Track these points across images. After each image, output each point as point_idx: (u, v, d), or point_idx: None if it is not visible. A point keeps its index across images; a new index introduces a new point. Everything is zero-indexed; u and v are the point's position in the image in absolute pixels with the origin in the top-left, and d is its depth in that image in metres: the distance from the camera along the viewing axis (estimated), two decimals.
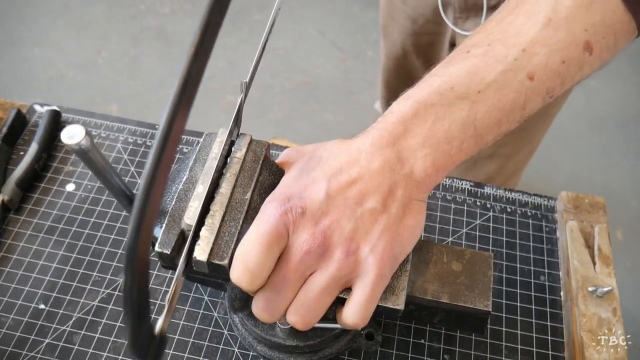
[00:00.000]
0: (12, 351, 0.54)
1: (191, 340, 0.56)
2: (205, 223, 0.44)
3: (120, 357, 0.55)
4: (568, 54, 0.43)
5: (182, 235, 0.45)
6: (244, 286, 0.42)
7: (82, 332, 0.56)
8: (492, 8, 0.74)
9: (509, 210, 0.66)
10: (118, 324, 0.57)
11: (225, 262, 0.43)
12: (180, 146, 0.70)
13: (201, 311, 0.58)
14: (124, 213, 0.63)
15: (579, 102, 1.97)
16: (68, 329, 0.56)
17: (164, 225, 0.45)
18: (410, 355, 0.56)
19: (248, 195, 0.46)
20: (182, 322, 0.57)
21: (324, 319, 0.48)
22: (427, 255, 0.50)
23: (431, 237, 0.64)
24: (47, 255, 0.61)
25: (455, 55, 0.46)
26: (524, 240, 0.64)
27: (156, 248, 0.44)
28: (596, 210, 0.65)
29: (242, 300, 0.51)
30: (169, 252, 0.43)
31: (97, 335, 0.56)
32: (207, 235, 0.44)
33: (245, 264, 0.42)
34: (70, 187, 0.66)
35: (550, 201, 0.68)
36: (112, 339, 0.56)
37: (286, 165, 0.48)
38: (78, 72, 2.01)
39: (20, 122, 0.69)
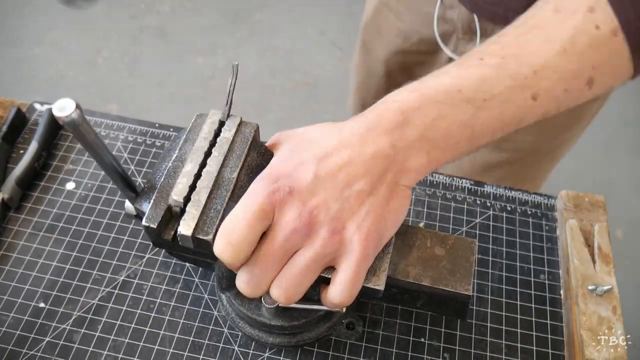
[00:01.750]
0: (12, 350, 0.54)
1: (191, 338, 0.56)
2: (192, 199, 0.46)
3: (120, 356, 0.55)
4: (572, 85, 0.46)
5: (170, 211, 0.46)
6: (226, 260, 0.43)
7: (82, 330, 0.56)
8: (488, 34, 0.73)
9: (509, 208, 0.66)
10: (118, 322, 0.57)
11: (210, 237, 0.44)
12: None
13: (201, 309, 0.58)
14: (124, 211, 0.63)
15: None
16: (68, 327, 0.56)
17: (152, 200, 0.46)
18: (410, 353, 0.56)
19: (235, 174, 0.47)
20: (182, 321, 0.57)
21: (310, 300, 0.49)
22: (411, 239, 0.51)
23: None
24: (47, 254, 0.61)
25: (468, 60, 0.47)
26: (524, 239, 0.64)
27: (143, 222, 0.45)
28: (596, 209, 0.65)
29: (230, 279, 0.52)
30: (155, 226, 0.45)
31: (97, 334, 0.56)
32: (192, 211, 0.45)
33: (228, 239, 0.42)
34: (70, 185, 0.66)
35: (550, 200, 0.68)
36: (112, 337, 0.56)
37: (275, 147, 0.49)
38: (78, 72, 2.01)
39: (20, 121, 0.69)
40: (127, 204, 0.50)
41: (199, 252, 0.46)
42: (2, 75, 1.98)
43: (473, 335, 0.57)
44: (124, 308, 0.57)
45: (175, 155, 0.49)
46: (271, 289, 0.44)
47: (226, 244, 0.42)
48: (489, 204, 0.67)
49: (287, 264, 0.44)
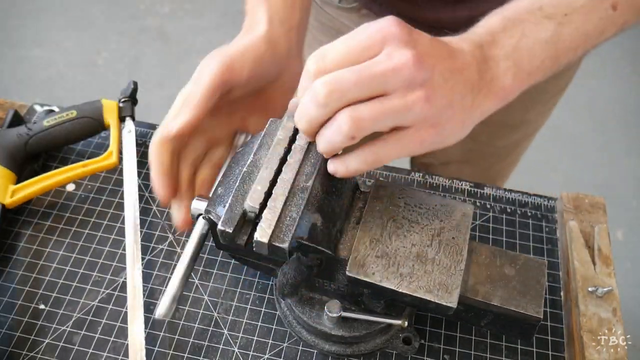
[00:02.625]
0: (12, 351, 0.54)
1: (191, 340, 0.56)
2: (268, 206, 0.46)
3: (120, 357, 0.55)
4: None
5: (244, 216, 0.46)
6: (310, 69, 0.41)
7: (82, 332, 0.56)
8: None
9: (508, 210, 0.66)
10: (118, 323, 0.56)
11: (285, 245, 0.44)
12: None
13: (201, 311, 0.58)
14: (123, 213, 0.63)
15: (579, 102, 1.97)
16: (68, 329, 0.56)
17: (227, 204, 0.46)
18: (410, 355, 0.56)
19: (310, 183, 0.47)
20: (182, 322, 0.57)
21: (372, 312, 0.50)
22: (479, 257, 0.50)
23: None
24: (47, 256, 0.61)
25: None
26: (524, 241, 0.64)
27: (219, 226, 0.45)
28: (596, 210, 0.65)
29: (292, 287, 0.52)
30: (231, 231, 0.45)
31: (97, 336, 0.56)
32: (269, 218, 0.45)
33: (322, 54, 0.41)
34: (70, 187, 0.66)
35: (550, 201, 0.67)
36: (112, 339, 0.56)
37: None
38: (78, 72, 2.01)
39: (18, 123, 0.69)
40: (194, 205, 0.50)
41: (270, 258, 0.47)
42: (2, 76, 1.97)
43: (473, 337, 0.57)
44: (124, 310, 0.57)
45: (249, 160, 0.49)
46: (343, 112, 0.41)
47: (319, 56, 0.41)
48: (488, 206, 0.67)
49: (372, 100, 0.40)
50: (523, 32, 0.44)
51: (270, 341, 0.56)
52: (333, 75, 0.40)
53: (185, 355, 0.55)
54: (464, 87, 0.42)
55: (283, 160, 0.49)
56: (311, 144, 0.50)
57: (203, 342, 0.56)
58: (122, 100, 0.68)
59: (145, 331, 0.55)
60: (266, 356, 0.55)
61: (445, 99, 0.41)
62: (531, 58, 0.45)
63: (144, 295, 0.58)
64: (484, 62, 0.43)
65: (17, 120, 0.68)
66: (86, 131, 0.66)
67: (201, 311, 0.58)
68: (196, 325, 0.57)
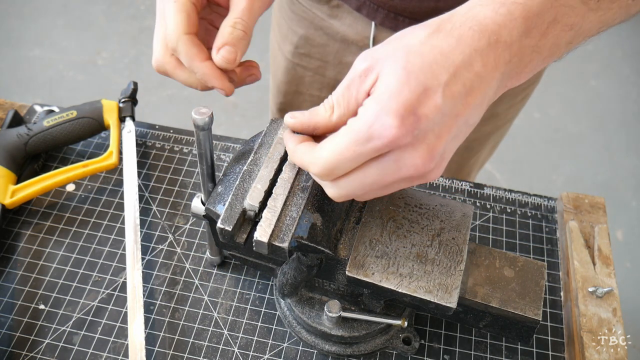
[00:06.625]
0: (12, 351, 0.54)
1: (191, 340, 0.56)
2: (268, 205, 0.46)
3: (120, 357, 0.55)
4: None
5: (244, 214, 0.46)
6: (321, 180, 0.42)
7: (82, 332, 0.56)
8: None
9: (508, 210, 0.66)
10: (118, 324, 0.57)
11: (285, 245, 0.44)
12: (180, 146, 0.70)
13: (201, 311, 0.58)
14: (123, 213, 0.63)
15: (579, 103, 1.97)
16: (68, 329, 0.56)
17: (227, 202, 0.46)
18: (410, 355, 0.56)
19: (310, 182, 0.48)
20: (182, 323, 0.57)
21: (371, 312, 0.51)
22: (479, 258, 0.50)
23: None
24: (47, 256, 0.61)
25: None
26: (524, 241, 0.64)
27: (218, 224, 0.45)
28: (596, 211, 0.65)
29: (292, 287, 0.52)
30: (230, 229, 0.45)
31: (97, 336, 0.56)
32: (269, 217, 0.45)
33: (330, 172, 0.40)
34: (70, 187, 0.66)
35: (550, 201, 0.68)
36: (112, 339, 0.56)
37: (375, 68, 0.40)
38: (78, 72, 2.00)
39: (18, 123, 0.69)
40: (194, 204, 0.51)
41: (270, 257, 0.47)
42: (2, 76, 1.97)
43: (473, 337, 0.57)
44: (124, 310, 0.57)
45: (250, 159, 0.49)
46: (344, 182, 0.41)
47: (326, 171, 0.40)
48: (488, 206, 0.67)
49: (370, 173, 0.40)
50: (555, 17, 0.40)
51: (270, 341, 0.56)
52: (344, 184, 0.41)
53: (185, 355, 0.55)
54: (479, 113, 0.40)
55: (283, 159, 0.49)
56: None
57: (203, 342, 0.56)
58: (122, 100, 0.68)
59: (145, 331, 0.55)
60: (266, 356, 0.55)
61: (452, 145, 0.40)
62: (553, 46, 0.41)
63: (144, 295, 0.57)
64: (506, 65, 0.39)
65: (17, 120, 0.68)
66: (86, 131, 0.66)
67: (201, 311, 0.58)
68: (196, 325, 0.57)
